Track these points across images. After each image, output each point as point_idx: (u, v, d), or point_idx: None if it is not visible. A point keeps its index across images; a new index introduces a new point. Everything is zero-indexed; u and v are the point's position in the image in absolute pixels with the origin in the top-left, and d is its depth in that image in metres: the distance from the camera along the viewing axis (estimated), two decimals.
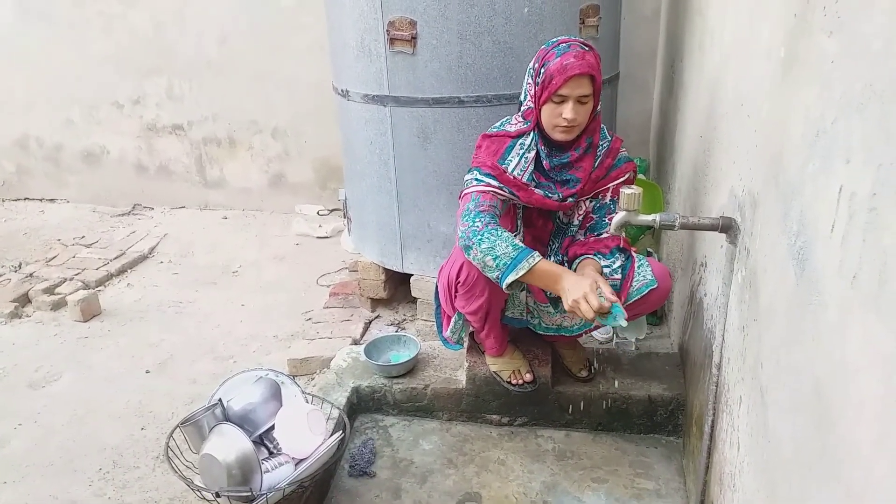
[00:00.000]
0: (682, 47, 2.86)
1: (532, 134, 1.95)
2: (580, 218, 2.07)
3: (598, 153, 2.00)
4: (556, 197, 1.97)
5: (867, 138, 0.87)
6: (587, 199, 2.05)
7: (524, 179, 1.95)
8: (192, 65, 4.35)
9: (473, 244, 1.84)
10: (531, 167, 1.95)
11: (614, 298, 1.78)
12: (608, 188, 2.03)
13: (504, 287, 1.84)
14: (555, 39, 1.89)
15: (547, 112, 1.88)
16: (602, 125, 2.02)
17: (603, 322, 1.83)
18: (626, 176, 2.03)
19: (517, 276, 1.81)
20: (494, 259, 1.82)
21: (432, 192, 2.70)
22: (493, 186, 1.93)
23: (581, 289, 1.76)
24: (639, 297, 2.05)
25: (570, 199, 1.98)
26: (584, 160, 1.97)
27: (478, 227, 1.85)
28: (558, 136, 1.91)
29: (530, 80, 1.92)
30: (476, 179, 1.95)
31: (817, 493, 0.97)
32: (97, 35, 4.39)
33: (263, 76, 4.26)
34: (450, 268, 2.05)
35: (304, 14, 4.01)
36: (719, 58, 2.05)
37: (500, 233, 1.84)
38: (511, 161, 1.95)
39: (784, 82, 1.29)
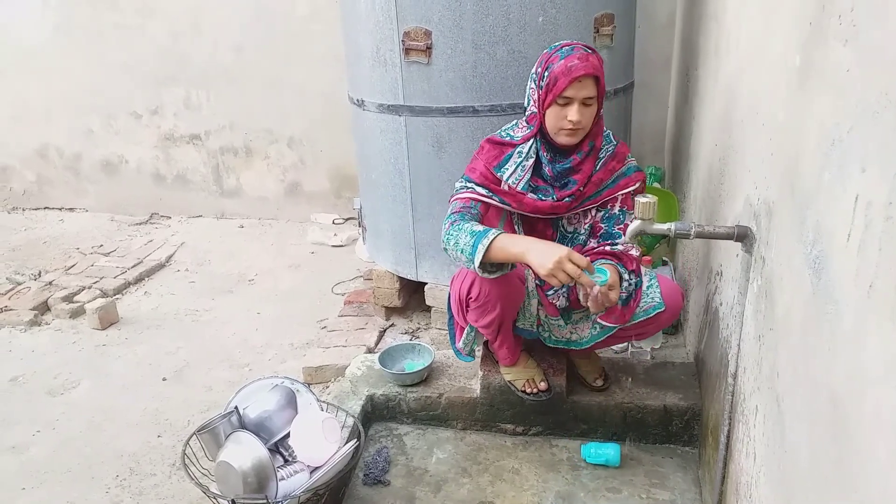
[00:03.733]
0: (698, 54, 2.85)
1: (532, 141, 1.95)
2: (587, 226, 2.06)
3: (601, 156, 1.99)
4: (549, 199, 1.97)
5: (883, 147, 0.87)
6: (594, 207, 2.04)
7: (519, 188, 1.95)
8: (208, 74, 4.40)
9: (445, 246, 1.90)
10: (528, 175, 1.96)
11: (584, 262, 1.72)
12: (616, 197, 2.02)
13: (479, 273, 1.84)
14: (557, 43, 1.89)
15: (552, 115, 1.88)
16: (607, 130, 2.02)
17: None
18: (636, 185, 2.02)
19: (479, 259, 1.79)
20: (461, 251, 1.84)
21: (447, 201, 2.69)
22: (481, 195, 1.96)
23: (552, 256, 1.70)
24: (646, 318, 2.05)
25: (567, 199, 1.97)
26: (586, 163, 1.96)
27: (445, 228, 1.91)
28: (563, 139, 1.91)
29: (533, 85, 1.91)
30: (465, 187, 1.99)
31: None
32: (115, 46, 4.45)
33: (279, 85, 4.30)
34: (460, 283, 2.05)
35: (318, 23, 4.05)
36: (735, 65, 2.05)
37: (461, 226, 1.87)
38: (507, 169, 1.96)
39: (799, 90, 1.29)
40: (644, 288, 2.06)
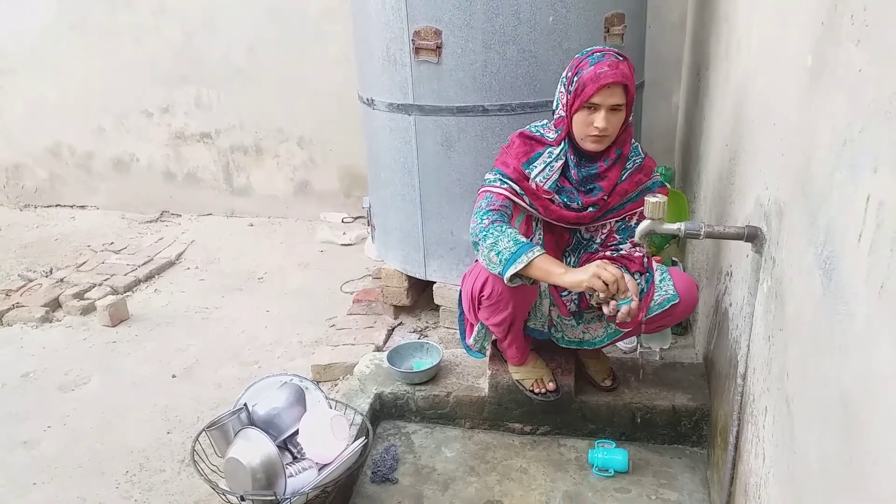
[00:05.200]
0: (709, 54, 2.84)
1: (562, 144, 1.94)
2: (603, 236, 2.06)
3: (627, 166, 1.99)
4: (575, 205, 1.96)
5: (895, 147, 0.86)
6: (613, 219, 2.04)
7: (546, 187, 1.94)
8: (220, 74, 4.41)
9: (479, 240, 1.88)
10: (556, 175, 1.95)
11: (619, 273, 1.76)
12: (636, 212, 2.01)
13: (505, 280, 1.84)
14: (589, 49, 1.88)
15: (578, 120, 1.87)
16: (636, 143, 2.01)
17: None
18: None
19: (516, 270, 1.81)
20: (497, 255, 1.84)
21: (456, 201, 2.71)
22: (514, 192, 1.94)
23: (588, 269, 1.75)
24: (660, 311, 2.04)
25: (591, 209, 1.97)
26: (612, 170, 1.96)
27: (484, 223, 1.89)
28: (589, 145, 1.90)
29: (562, 89, 1.91)
30: (501, 181, 1.96)
31: None
32: (128, 44, 4.47)
33: (290, 85, 4.31)
34: (473, 280, 2.04)
35: (330, 23, 4.06)
36: (746, 65, 2.04)
37: (503, 229, 1.86)
38: (536, 167, 1.95)
39: (811, 90, 1.28)
40: (657, 282, 2.06)
